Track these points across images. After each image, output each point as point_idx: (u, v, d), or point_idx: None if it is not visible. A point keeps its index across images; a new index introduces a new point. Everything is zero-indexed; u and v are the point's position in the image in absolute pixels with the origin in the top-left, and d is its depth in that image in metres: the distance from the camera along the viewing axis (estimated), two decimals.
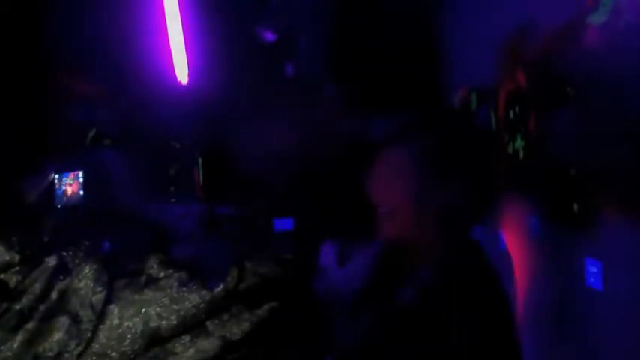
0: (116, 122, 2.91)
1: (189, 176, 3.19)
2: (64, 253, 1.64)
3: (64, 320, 1.57)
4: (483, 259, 1.60)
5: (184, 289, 1.61)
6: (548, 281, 2.40)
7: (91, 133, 2.77)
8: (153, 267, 1.67)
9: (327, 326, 1.74)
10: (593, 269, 1.97)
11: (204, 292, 1.60)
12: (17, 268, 1.58)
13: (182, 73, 3.35)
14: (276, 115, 2.77)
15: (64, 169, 2.20)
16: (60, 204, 2.16)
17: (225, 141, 3.01)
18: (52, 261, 1.61)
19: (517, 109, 2.63)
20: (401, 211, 1.59)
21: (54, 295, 1.59)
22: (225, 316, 1.60)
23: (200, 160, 3.19)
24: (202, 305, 1.60)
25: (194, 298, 1.60)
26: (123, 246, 1.77)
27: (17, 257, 1.59)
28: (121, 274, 1.65)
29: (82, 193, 2.15)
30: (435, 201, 1.55)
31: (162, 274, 1.65)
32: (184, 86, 3.34)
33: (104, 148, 2.43)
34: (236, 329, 1.60)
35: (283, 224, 2.98)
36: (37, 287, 1.57)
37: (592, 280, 1.99)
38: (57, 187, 2.16)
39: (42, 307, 1.56)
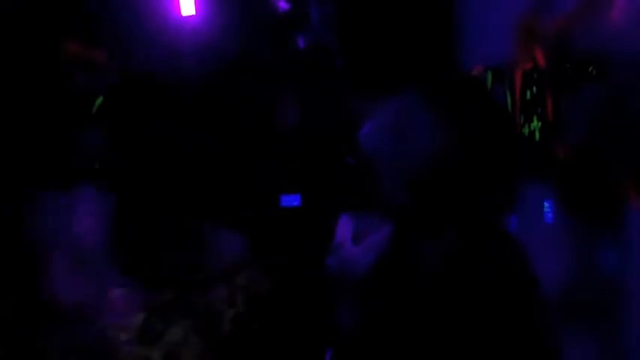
0: (121, 89, 2.88)
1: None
2: None
3: None
4: (511, 252, 1.37)
5: None
6: (565, 271, 2.35)
7: (98, 101, 2.74)
8: None
9: (331, 312, 1.74)
10: (614, 258, 1.92)
11: None
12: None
13: (191, 42, 3.30)
14: (285, 88, 2.72)
15: None
16: None
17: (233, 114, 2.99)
18: None
19: (534, 89, 2.58)
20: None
21: None
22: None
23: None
24: None
25: None
26: None
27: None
28: None
29: None
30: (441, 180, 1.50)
31: None
32: (193, 55, 3.30)
33: None
34: None
35: (290, 200, 2.95)
36: None
37: (612, 270, 1.94)
38: None
39: None
